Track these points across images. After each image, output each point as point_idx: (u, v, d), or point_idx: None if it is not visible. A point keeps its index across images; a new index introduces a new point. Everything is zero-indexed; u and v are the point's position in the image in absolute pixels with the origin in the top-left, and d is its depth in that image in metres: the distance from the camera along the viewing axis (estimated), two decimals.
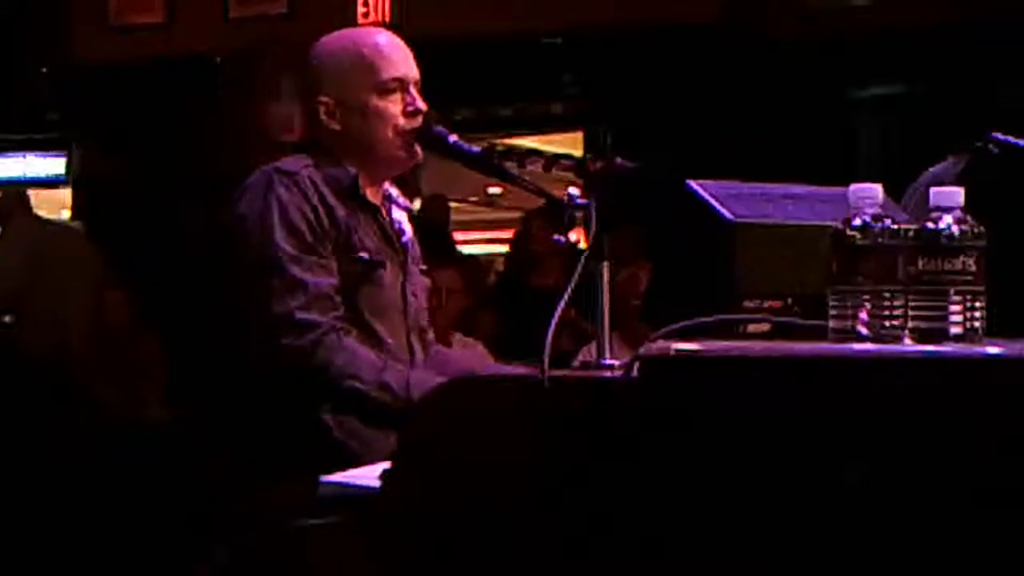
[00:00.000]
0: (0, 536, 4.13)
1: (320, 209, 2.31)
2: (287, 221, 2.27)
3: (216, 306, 2.45)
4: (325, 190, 2.34)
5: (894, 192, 1.85)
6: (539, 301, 5.73)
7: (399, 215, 2.52)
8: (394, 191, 2.53)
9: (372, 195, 2.44)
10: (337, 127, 2.41)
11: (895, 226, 1.61)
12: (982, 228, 1.59)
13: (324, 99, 2.41)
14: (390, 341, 2.37)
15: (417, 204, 6.89)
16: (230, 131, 7.02)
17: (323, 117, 2.41)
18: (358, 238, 2.35)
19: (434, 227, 6.60)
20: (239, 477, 2.29)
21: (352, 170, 2.39)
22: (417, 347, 2.47)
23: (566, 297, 1.79)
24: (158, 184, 7.70)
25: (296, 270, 2.25)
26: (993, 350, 1.52)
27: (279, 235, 2.26)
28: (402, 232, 2.50)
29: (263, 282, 2.25)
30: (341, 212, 2.33)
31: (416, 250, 2.55)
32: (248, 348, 2.30)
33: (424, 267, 2.59)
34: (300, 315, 2.22)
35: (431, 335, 2.63)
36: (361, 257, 2.34)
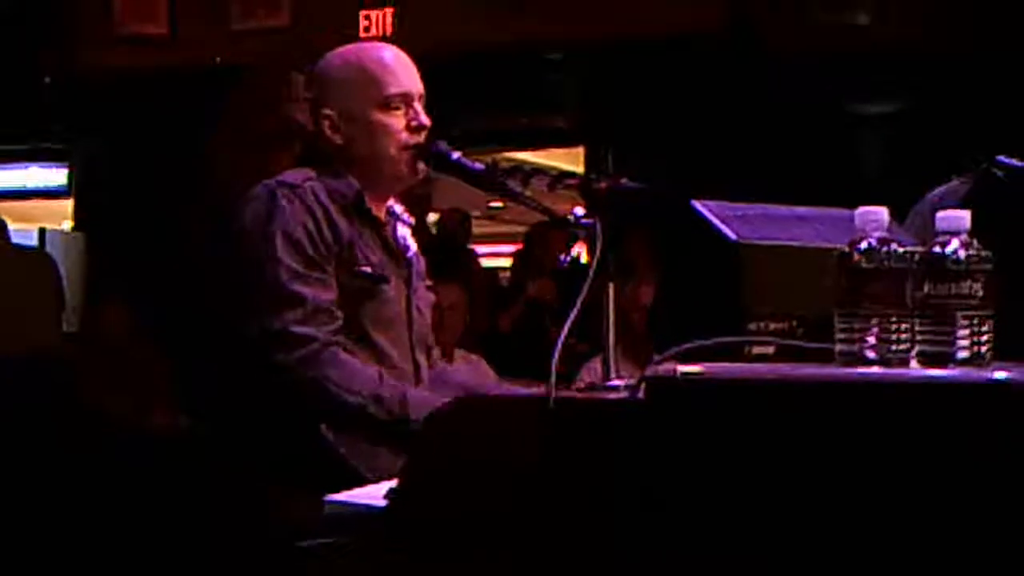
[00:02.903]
0: (3, 543, 4.13)
1: (323, 222, 2.30)
2: (289, 235, 2.27)
3: (218, 317, 2.45)
4: (328, 203, 2.33)
5: (895, 206, 1.85)
6: (536, 312, 5.77)
7: (403, 231, 2.52)
8: (398, 207, 2.53)
9: (376, 210, 2.44)
10: (340, 141, 2.41)
11: (901, 250, 1.61)
12: (989, 252, 1.60)
13: (328, 112, 2.41)
14: (394, 356, 2.37)
15: (431, 218, 6.92)
16: (243, 125, 7.04)
17: (327, 130, 2.41)
18: (361, 252, 2.35)
19: (451, 241, 6.63)
20: (240, 487, 2.29)
21: (356, 184, 2.39)
22: (423, 363, 2.47)
23: (572, 318, 1.79)
24: (162, 194, 7.70)
25: (296, 285, 2.24)
26: (1000, 374, 1.52)
27: (280, 249, 2.26)
28: (407, 247, 2.50)
29: (262, 297, 2.25)
30: (344, 226, 2.33)
31: (421, 265, 2.55)
32: (247, 361, 2.30)
33: (430, 283, 2.59)
34: (295, 329, 2.22)
35: (437, 352, 2.63)
36: (364, 272, 2.34)
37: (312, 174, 2.37)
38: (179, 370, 5.50)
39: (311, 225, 2.29)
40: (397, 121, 2.40)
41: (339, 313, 2.28)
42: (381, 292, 2.37)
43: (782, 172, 5.78)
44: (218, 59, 7.75)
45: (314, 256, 2.28)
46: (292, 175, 2.36)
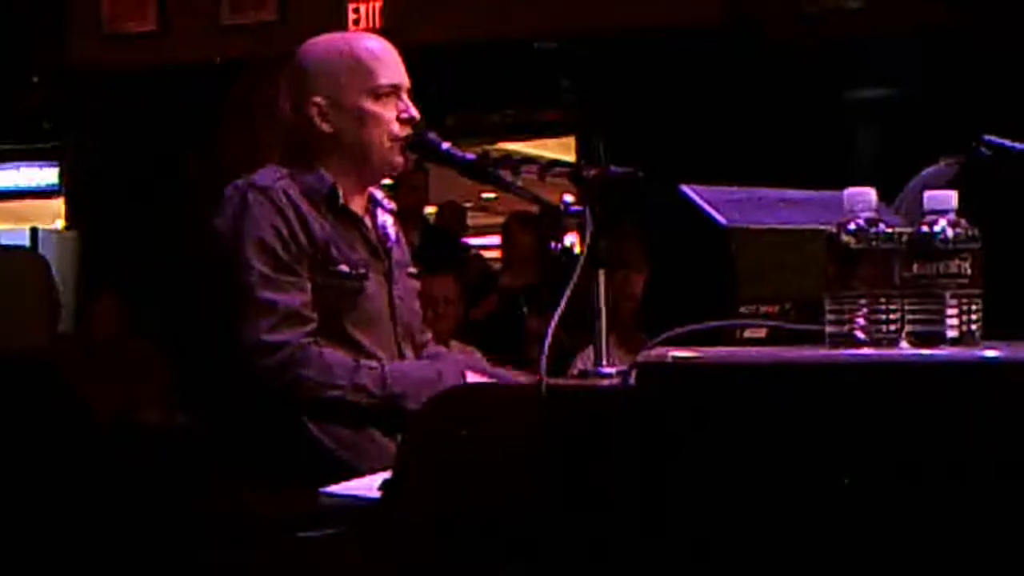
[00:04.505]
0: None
1: (295, 224, 2.28)
2: (259, 239, 2.25)
3: (196, 320, 2.44)
4: (301, 202, 2.31)
5: (889, 194, 1.85)
6: (508, 302, 5.78)
7: (384, 217, 2.50)
8: (379, 193, 2.51)
9: (356, 202, 2.42)
10: (329, 129, 2.39)
11: (890, 230, 1.61)
12: (976, 231, 1.60)
13: (317, 100, 2.38)
14: (379, 352, 2.35)
15: (428, 210, 6.93)
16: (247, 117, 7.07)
17: (315, 118, 2.38)
18: (338, 251, 2.32)
19: (447, 234, 6.64)
20: (233, 483, 2.29)
21: (329, 179, 2.37)
22: (409, 354, 2.45)
23: (563, 305, 1.79)
24: (154, 190, 7.69)
25: (266, 292, 2.23)
26: (990, 353, 1.52)
27: (251, 255, 2.24)
28: (387, 238, 2.48)
29: (233, 304, 2.24)
30: (318, 225, 2.31)
31: (403, 253, 2.53)
32: (228, 365, 2.29)
33: (414, 270, 2.57)
34: (268, 337, 2.21)
35: (428, 336, 2.61)
36: (340, 271, 2.33)
37: (285, 172, 2.35)
38: (175, 367, 5.50)
39: (283, 227, 2.27)
40: (388, 112, 2.38)
41: (313, 315, 2.27)
42: (361, 289, 2.35)
43: (776, 159, 5.78)
44: (218, 59, 7.74)
45: (286, 260, 2.26)
46: (264, 175, 2.34)
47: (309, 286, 2.29)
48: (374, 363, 2.28)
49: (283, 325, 2.23)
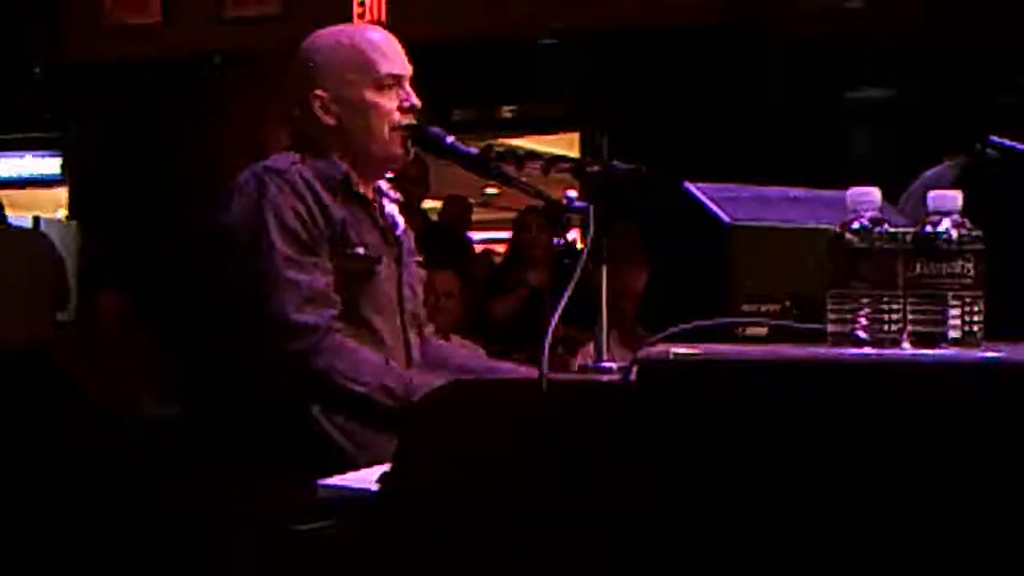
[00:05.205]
0: None
1: (313, 206, 2.30)
2: (281, 222, 2.26)
3: (209, 306, 2.44)
4: (317, 186, 2.32)
5: (888, 194, 1.85)
6: (529, 298, 5.78)
7: (391, 207, 2.51)
8: (384, 184, 2.53)
9: (364, 191, 2.44)
10: (332, 121, 2.40)
11: (893, 230, 1.62)
12: (980, 232, 1.60)
13: (319, 93, 2.40)
14: (386, 336, 2.37)
15: (427, 204, 6.92)
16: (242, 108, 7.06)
17: (317, 111, 2.40)
18: (354, 234, 2.34)
19: (450, 229, 6.64)
20: (233, 475, 2.29)
21: (342, 165, 2.38)
22: (414, 341, 2.47)
23: (565, 300, 1.79)
24: (155, 181, 7.69)
25: (291, 272, 2.24)
26: (991, 354, 1.52)
27: (274, 236, 2.25)
28: (395, 225, 2.50)
29: (258, 286, 2.24)
30: (335, 208, 2.32)
31: (411, 242, 2.55)
32: (242, 350, 2.29)
33: (419, 259, 2.59)
34: (295, 317, 2.21)
35: (431, 328, 2.63)
36: (357, 253, 2.34)
37: (297, 158, 2.36)
38: (173, 358, 5.50)
39: (302, 210, 2.28)
40: (390, 102, 2.40)
41: (337, 298, 2.28)
42: (374, 273, 2.37)
43: (776, 158, 5.78)
44: (218, 59, 7.74)
45: (307, 241, 2.27)
46: (278, 160, 2.35)
47: (331, 267, 2.29)
48: (402, 371, 2.30)
49: (308, 306, 2.23)
